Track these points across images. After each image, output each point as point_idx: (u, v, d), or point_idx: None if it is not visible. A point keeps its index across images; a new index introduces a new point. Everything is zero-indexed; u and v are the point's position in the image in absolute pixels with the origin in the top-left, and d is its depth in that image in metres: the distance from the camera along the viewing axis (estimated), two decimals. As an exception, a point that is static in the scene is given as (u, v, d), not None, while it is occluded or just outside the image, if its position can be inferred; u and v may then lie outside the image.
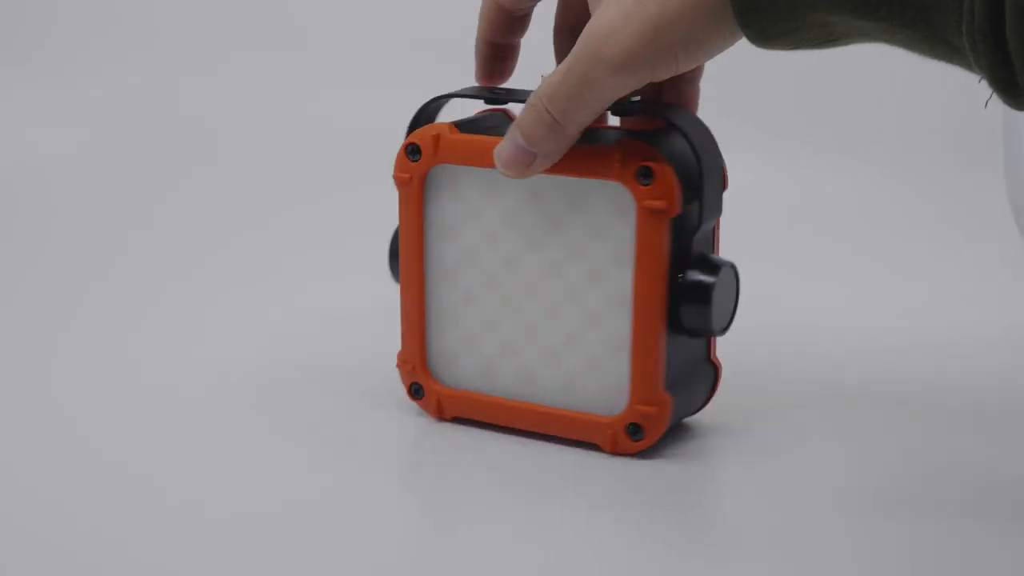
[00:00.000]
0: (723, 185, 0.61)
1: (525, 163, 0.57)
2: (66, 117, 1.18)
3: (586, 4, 0.62)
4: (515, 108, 0.64)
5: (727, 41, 0.53)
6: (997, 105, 1.04)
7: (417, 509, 0.56)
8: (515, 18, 0.63)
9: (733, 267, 0.60)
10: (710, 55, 0.53)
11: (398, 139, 0.69)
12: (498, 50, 0.64)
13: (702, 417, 0.62)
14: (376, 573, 0.51)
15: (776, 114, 1.01)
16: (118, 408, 0.67)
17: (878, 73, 1.08)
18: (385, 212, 0.97)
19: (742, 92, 1.05)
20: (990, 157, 1.03)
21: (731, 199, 0.58)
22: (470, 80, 0.80)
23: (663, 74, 0.54)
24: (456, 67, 1.03)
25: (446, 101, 0.64)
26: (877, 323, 0.80)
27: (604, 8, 0.54)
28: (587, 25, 0.54)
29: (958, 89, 1.07)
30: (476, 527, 0.54)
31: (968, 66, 0.48)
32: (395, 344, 0.75)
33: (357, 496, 0.57)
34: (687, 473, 0.59)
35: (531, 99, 0.56)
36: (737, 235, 0.93)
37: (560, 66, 0.55)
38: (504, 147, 0.58)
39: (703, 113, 0.60)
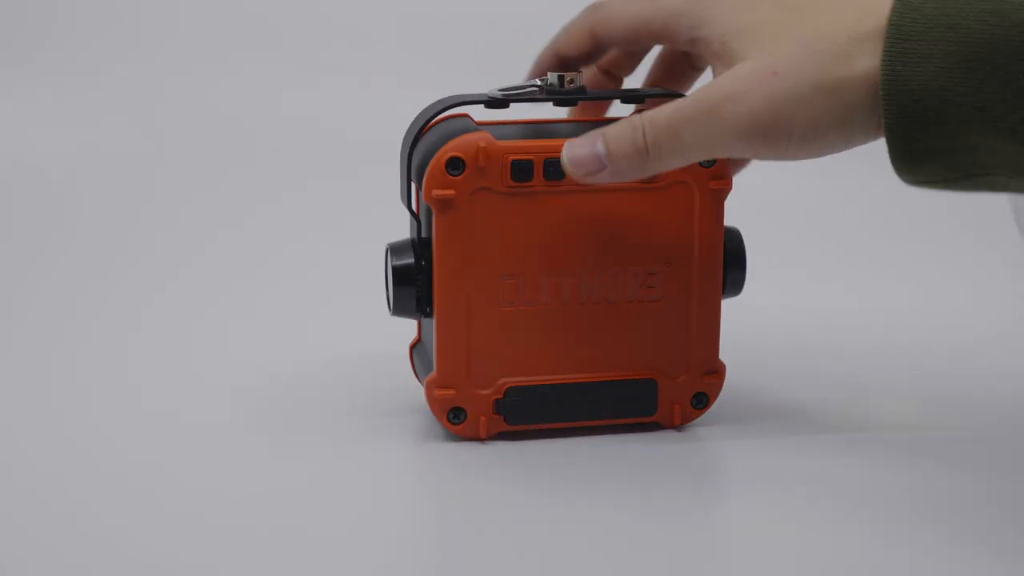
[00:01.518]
0: None
1: (592, 170, 0.56)
2: (64, 117, 1.16)
3: (690, 53, 0.62)
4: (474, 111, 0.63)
5: (849, 141, 0.52)
6: None
7: (431, 523, 0.58)
8: (596, 46, 0.62)
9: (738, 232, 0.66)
10: (822, 150, 0.53)
11: (396, 139, 0.65)
12: (563, 65, 0.63)
13: (705, 418, 0.65)
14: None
15: None
16: (118, 407, 0.67)
17: None
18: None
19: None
20: None
21: (734, 198, 0.63)
22: (459, 80, 0.74)
23: (769, 152, 0.53)
24: (446, 70, 0.97)
25: (451, 107, 0.62)
26: (877, 323, 0.81)
27: (737, 69, 0.53)
28: (716, 79, 0.54)
29: None
30: (486, 534, 0.56)
31: None
32: (393, 344, 0.70)
33: (369, 504, 0.58)
34: (687, 473, 0.61)
35: (633, 119, 0.55)
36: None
37: (676, 101, 0.54)
38: (580, 145, 0.56)
39: None
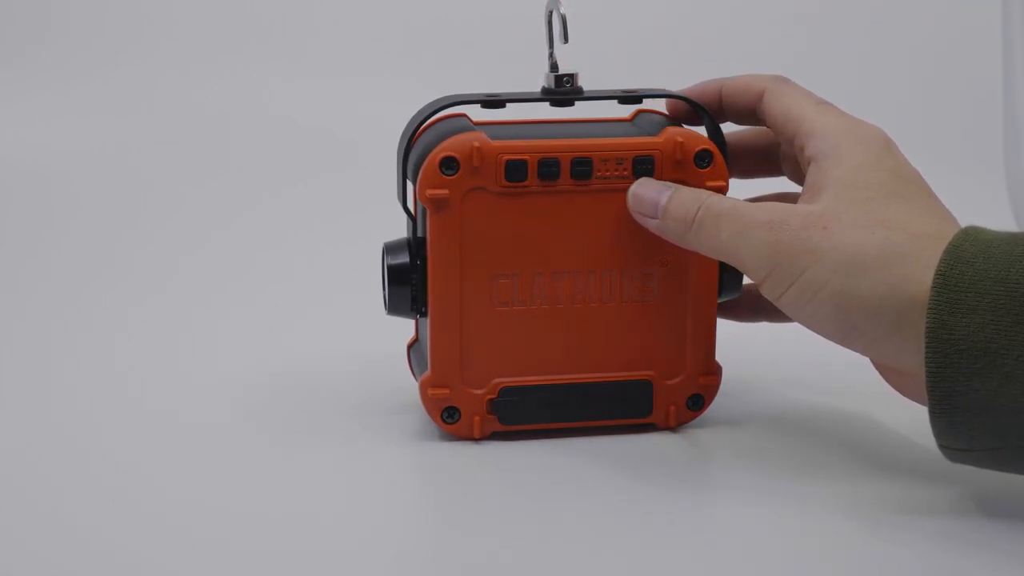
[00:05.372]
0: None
1: (646, 214, 0.59)
2: (59, 116, 1.16)
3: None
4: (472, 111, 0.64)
5: (883, 359, 0.53)
6: (995, 102, 1.07)
7: (424, 523, 0.58)
8: (746, 111, 0.62)
9: None
10: (866, 352, 0.54)
11: (392, 138, 0.65)
12: (686, 109, 0.63)
13: (700, 420, 0.65)
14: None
15: None
16: (118, 407, 0.67)
17: (880, 74, 1.09)
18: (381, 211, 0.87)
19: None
20: (990, 157, 1.06)
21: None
22: (458, 80, 0.74)
23: (786, 308, 0.55)
24: (444, 70, 0.96)
25: (448, 106, 0.62)
26: None
27: (826, 225, 0.54)
28: (800, 204, 0.56)
29: (959, 90, 1.10)
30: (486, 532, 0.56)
31: None
32: (390, 344, 0.71)
33: (365, 502, 0.58)
34: (682, 475, 0.61)
35: (702, 191, 0.58)
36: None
37: (751, 210, 0.56)
38: (650, 187, 0.59)
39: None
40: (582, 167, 0.60)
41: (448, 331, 0.61)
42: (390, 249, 0.62)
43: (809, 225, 0.54)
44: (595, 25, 0.89)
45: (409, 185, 0.63)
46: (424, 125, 0.63)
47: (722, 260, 0.58)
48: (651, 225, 0.59)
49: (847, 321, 0.53)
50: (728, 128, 0.64)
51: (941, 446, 0.52)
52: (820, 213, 0.54)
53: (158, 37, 1.21)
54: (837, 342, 0.55)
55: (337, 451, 0.62)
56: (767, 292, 0.56)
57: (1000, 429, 0.49)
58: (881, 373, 0.56)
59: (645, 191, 0.59)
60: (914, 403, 0.55)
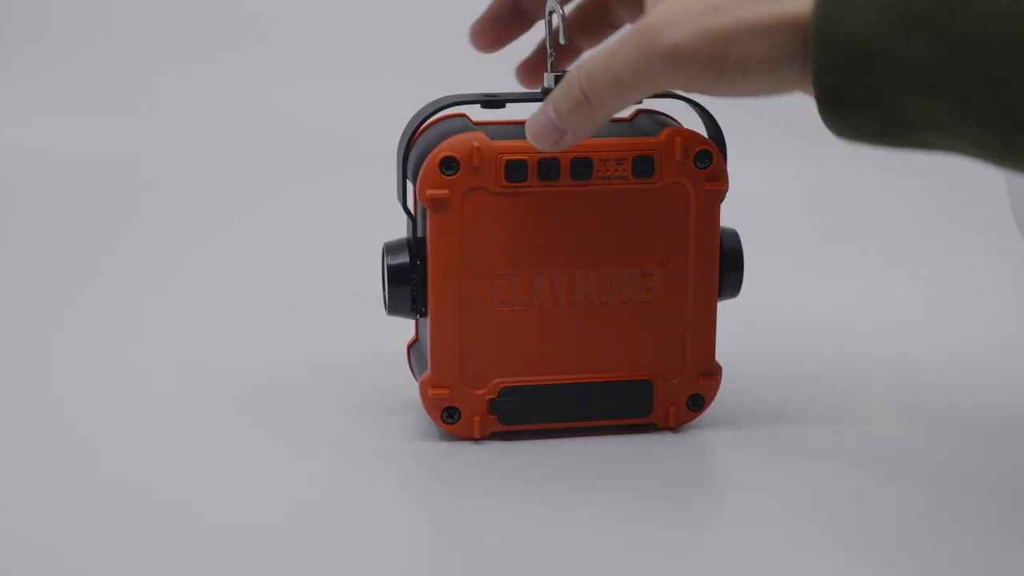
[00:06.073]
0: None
1: (553, 138, 0.56)
2: (59, 115, 1.16)
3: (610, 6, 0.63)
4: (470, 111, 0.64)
5: (780, 84, 0.52)
6: None
7: (424, 522, 0.58)
8: None
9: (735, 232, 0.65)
10: (754, 90, 0.52)
11: (393, 138, 0.65)
12: (512, 10, 0.62)
13: (700, 420, 0.65)
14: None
15: (782, 114, 0.99)
16: (118, 407, 0.67)
17: None
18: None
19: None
20: None
21: (734, 200, 0.63)
22: (458, 80, 0.74)
23: (701, 84, 0.52)
24: (445, 70, 0.97)
25: (448, 106, 0.62)
26: (877, 325, 0.81)
27: (668, 4, 0.52)
28: (645, 17, 0.53)
29: None
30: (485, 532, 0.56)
31: None
32: (390, 343, 0.71)
33: (365, 502, 0.58)
34: (681, 475, 0.61)
35: (570, 73, 0.55)
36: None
37: (609, 45, 0.53)
38: (536, 118, 0.56)
39: (714, 112, 0.64)
40: (582, 167, 0.60)
41: (448, 331, 0.61)
42: (390, 249, 0.62)
43: (702, 8, 0.51)
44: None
45: (409, 185, 0.63)
46: (424, 125, 0.63)
47: (637, 100, 0.55)
48: (569, 141, 0.56)
49: (726, 47, 0.51)
50: None
51: (830, 129, 0.51)
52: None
53: (158, 37, 1.21)
54: (726, 85, 0.52)
55: (337, 451, 0.62)
56: (699, 88, 0.53)
57: (885, 119, 0.49)
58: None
59: (535, 125, 0.56)
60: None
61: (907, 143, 0.50)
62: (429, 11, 1.21)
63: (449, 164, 0.59)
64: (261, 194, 1.08)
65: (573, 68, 0.55)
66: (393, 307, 0.62)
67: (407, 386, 0.66)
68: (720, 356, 0.64)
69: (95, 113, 1.17)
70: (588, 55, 0.56)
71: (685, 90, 0.53)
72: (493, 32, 0.64)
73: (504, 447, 0.62)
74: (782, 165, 1.08)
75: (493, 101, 0.62)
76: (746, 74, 0.51)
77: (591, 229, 0.61)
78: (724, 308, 0.64)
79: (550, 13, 0.61)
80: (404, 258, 0.62)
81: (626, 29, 0.61)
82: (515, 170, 0.60)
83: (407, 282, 0.61)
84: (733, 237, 0.64)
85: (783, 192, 1.07)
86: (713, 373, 0.64)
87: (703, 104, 0.63)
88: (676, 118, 0.65)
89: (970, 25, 0.46)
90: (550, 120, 0.55)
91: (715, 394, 0.64)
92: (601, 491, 0.59)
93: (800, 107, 0.54)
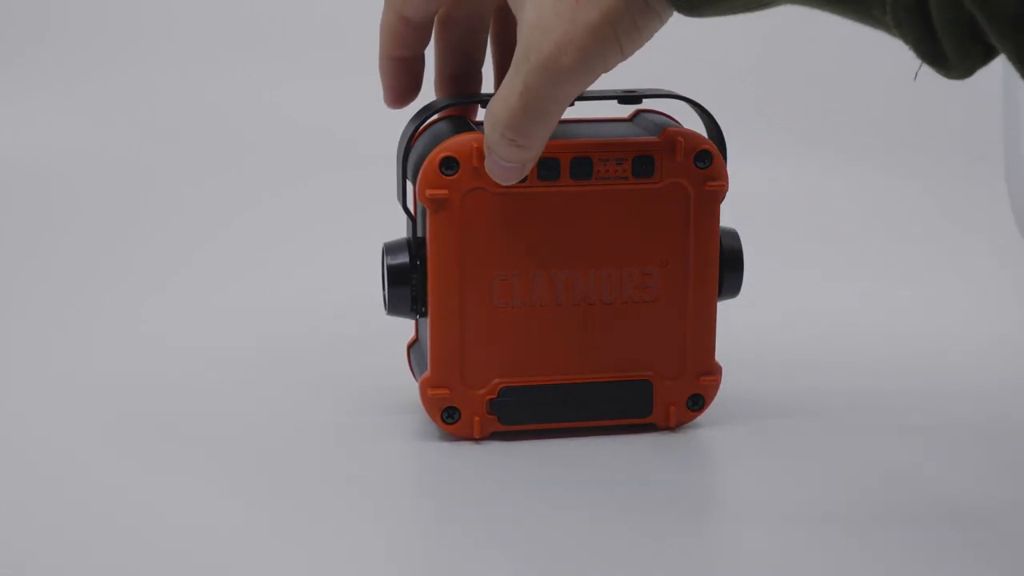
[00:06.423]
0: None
1: (517, 174, 0.57)
2: (60, 115, 1.16)
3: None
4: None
5: (661, 19, 0.53)
6: (995, 101, 1.06)
7: (424, 523, 0.58)
8: (421, 28, 0.61)
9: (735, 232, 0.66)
10: (649, 37, 0.53)
11: (393, 138, 0.66)
12: (407, 65, 0.62)
13: (700, 420, 0.65)
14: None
15: (782, 114, 0.99)
16: (118, 406, 0.67)
17: (880, 73, 1.07)
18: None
19: (750, 92, 1.01)
20: (990, 158, 1.05)
21: (734, 200, 0.63)
22: None
23: (612, 64, 0.53)
24: None
25: (447, 106, 0.62)
26: (877, 325, 0.81)
27: (539, 13, 0.53)
28: (525, 34, 0.53)
29: (959, 89, 1.11)
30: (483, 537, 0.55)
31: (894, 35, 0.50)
32: (389, 343, 0.71)
33: (365, 502, 0.58)
34: (682, 475, 0.61)
35: (486, 126, 0.56)
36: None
37: (512, 85, 0.54)
38: (491, 167, 0.58)
39: (714, 111, 0.64)
40: (582, 167, 0.60)
41: (448, 331, 0.61)
42: (390, 249, 0.62)
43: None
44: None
45: (409, 185, 0.63)
46: (424, 125, 0.63)
47: (546, 117, 0.55)
48: (529, 168, 0.57)
49: None
50: None
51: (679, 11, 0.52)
52: None
53: (158, 37, 1.21)
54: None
55: (337, 451, 0.62)
56: (629, 53, 0.53)
57: (735, 5, 0.50)
58: None
59: (494, 173, 0.58)
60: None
61: (761, 8, 0.51)
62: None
63: (449, 164, 0.59)
64: (261, 194, 1.08)
65: (489, 119, 0.55)
66: (393, 307, 0.62)
67: (407, 386, 0.66)
68: (720, 356, 0.64)
69: (95, 113, 1.18)
70: (491, 102, 0.55)
71: (603, 73, 0.53)
72: (403, 91, 0.64)
73: (504, 447, 0.62)
74: (782, 165, 1.08)
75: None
76: (639, 33, 0.52)
77: (591, 229, 0.61)
78: (724, 308, 0.64)
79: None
80: (404, 258, 0.62)
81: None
82: None
83: (407, 282, 0.61)
84: (733, 237, 0.64)
85: (783, 192, 1.06)
86: (713, 373, 0.64)
87: (703, 104, 0.63)
88: (676, 118, 0.65)
89: None
90: (501, 165, 0.57)
91: (715, 394, 0.64)
92: (601, 491, 0.59)
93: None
